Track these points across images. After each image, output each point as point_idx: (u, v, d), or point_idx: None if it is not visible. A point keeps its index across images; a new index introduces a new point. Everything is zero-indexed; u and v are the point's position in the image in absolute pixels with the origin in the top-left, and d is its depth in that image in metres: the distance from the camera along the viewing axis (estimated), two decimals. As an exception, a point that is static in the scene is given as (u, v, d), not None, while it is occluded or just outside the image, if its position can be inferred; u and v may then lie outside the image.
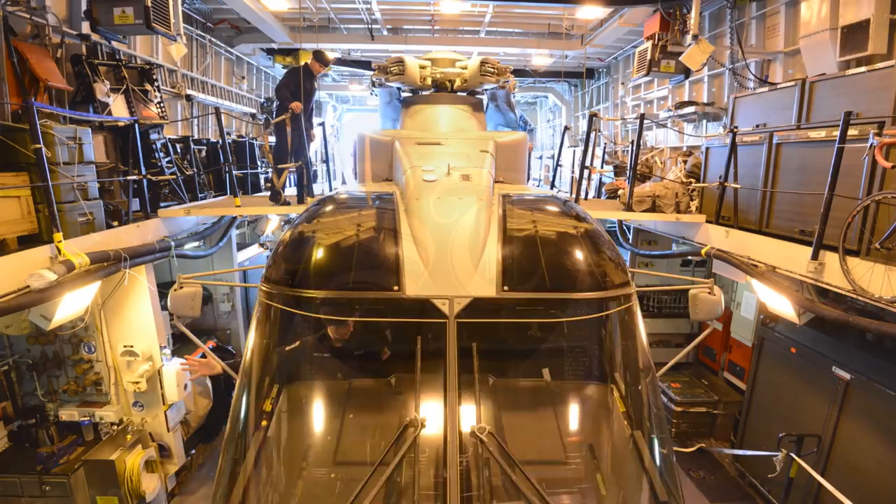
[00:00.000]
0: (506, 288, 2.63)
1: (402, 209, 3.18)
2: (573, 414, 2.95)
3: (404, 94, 7.26)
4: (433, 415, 2.34)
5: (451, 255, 2.77)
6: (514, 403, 2.82)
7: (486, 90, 7.25)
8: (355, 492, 2.12)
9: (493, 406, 2.66)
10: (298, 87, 6.92)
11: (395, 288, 2.63)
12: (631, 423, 2.75)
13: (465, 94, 6.94)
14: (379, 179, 5.14)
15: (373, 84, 7.37)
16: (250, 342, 2.87)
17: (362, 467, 2.34)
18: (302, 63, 7.33)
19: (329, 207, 3.43)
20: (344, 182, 15.09)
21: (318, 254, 2.88)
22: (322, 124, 8.73)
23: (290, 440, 2.86)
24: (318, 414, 2.97)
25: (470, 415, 2.36)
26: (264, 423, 2.72)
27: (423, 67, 6.66)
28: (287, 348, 3.03)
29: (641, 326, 2.93)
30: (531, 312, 2.89)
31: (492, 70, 6.58)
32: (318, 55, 7.25)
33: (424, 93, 6.90)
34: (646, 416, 2.76)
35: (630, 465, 2.70)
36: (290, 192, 9.55)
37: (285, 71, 7.69)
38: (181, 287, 3.34)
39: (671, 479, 2.50)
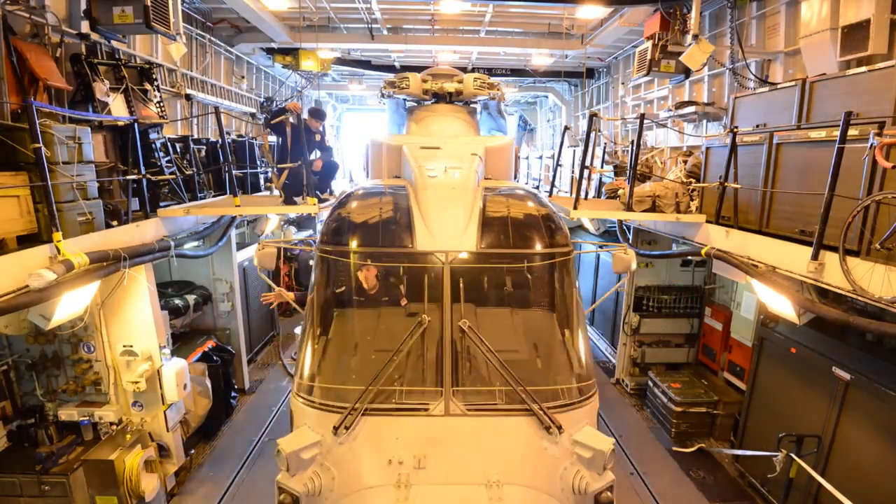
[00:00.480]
0: (482, 246, 4.10)
1: (413, 196, 4.58)
2: (522, 323, 4.26)
3: (409, 104, 8.45)
4: (434, 318, 3.72)
5: (447, 226, 4.20)
6: (484, 315, 4.05)
7: (479, 101, 8.54)
8: (386, 361, 3.52)
9: (472, 316, 3.88)
10: (285, 137, 6.88)
11: (410, 245, 4.09)
12: (563, 333, 4.18)
13: (460, 104, 8.14)
14: (391, 175, 6.26)
15: (382, 95, 8.55)
16: (315, 279, 4.37)
17: (391, 350, 3.61)
18: (291, 108, 7.06)
19: (362, 195, 4.95)
20: (351, 179, 15.49)
21: (363, 225, 4.40)
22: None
23: (348, 332, 4.28)
24: (363, 317, 4.30)
25: (457, 318, 3.71)
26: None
27: (424, 81, 7.91)
28: (342, 283, 4.34)
29: (574, 275, 4.48)
30: (496, 262, 4.20)
31: (483, 84, 7.94)
32: (316, 113, 7.01)
33: (426, 103, 8.08)
34: (573, 329, 4.21)
35: (558, 353, 4.16)
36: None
37: (274, 119, 7.11)
38: (263, 248, 4.83)
39: (587, 363, 4.04)
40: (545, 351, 4.18)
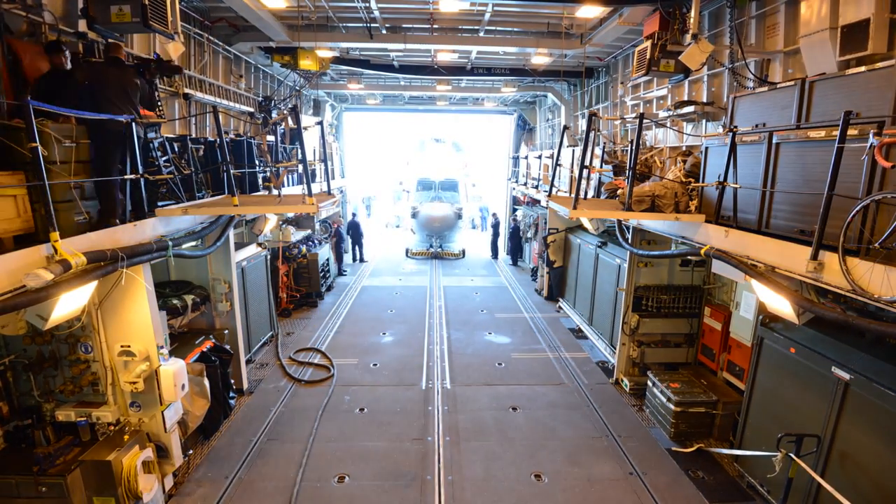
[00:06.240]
0: (445, 180, 25.33)
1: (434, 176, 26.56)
2: (451, 196, 24.28)
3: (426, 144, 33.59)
4: (437, 186, 24.96)
5: (439, 177, 25.61)
6: (443, 195, 23.88)
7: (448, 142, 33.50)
8: (425, 199, 23.99)
9: (442, 190, 24.73)
10: None
11: (434, 178, 25.59)
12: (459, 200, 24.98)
13: (443, 142, 33.59)
14: (421, 174, 27.16)
15: (421, 143, 35.11)
16: (419, 187, 25.53)
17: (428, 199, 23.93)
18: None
19: (421, 177, 26.56)
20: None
21: (424, 178, 26.12)
22: (320, 123, 8.76)
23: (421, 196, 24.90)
24: (421, 196, 24.89)
25: (440, 191, 24.56)
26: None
27: (434, 137, 34.57)
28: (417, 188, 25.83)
29: (465, 191, 28.69)
30: (448, 182, 25.50)
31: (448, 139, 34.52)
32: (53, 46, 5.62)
33: (434, 141, 33.85)
34: (461, 200, 25.49)
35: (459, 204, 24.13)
36: (288, 190, 9.50)
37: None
38: None
39: (461, 203, 24.81)
40: (460, 194, 25.19)
